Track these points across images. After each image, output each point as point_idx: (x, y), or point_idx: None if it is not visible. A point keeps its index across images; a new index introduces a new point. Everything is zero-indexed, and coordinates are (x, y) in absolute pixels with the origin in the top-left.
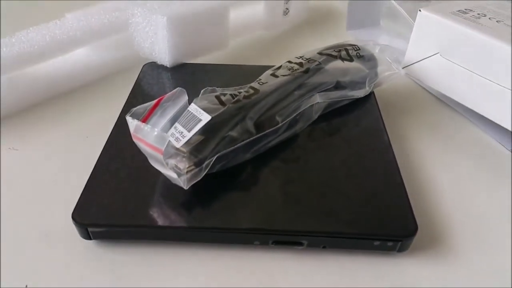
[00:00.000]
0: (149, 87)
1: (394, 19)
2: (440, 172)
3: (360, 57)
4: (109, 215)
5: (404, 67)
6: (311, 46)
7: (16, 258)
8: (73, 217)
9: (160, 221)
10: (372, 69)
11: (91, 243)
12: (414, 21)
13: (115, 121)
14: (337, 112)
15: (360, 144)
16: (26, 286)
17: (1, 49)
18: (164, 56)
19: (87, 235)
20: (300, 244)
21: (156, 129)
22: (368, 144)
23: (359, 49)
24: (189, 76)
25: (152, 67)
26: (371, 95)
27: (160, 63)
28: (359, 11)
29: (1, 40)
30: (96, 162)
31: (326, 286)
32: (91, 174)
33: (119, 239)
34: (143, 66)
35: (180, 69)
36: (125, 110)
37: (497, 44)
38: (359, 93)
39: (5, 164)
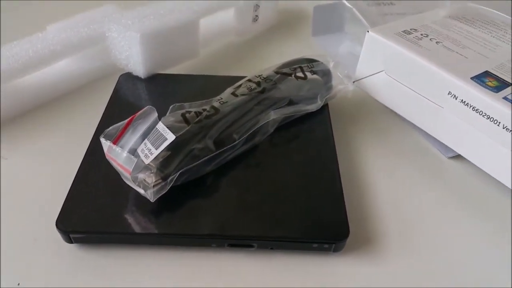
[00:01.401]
0: (125, 97)
1: (358, 24)
2: (380, 177)
3: (314, 73)
4: (88, 223)
5: (355, 81)
6: (279, 51)
7: (8, 260)
8: (56, 225)
9: (132, 228)
10: (327, 83)
11: (73, 246)
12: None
13: (95, 130)
14: (292, 124)
15: (309, 154)
16: (18, 284)
17: None
18: (139, 68)
19: (69, 240)
20: (251, 246)
21: (125, 152)
22: (316, 155)
23: (313, 66)
24: (162, 87)
25: (128, 78)
26: (324, 107)
27: (135, 74)
28: (324, 17)
29: None
30: (77, 172)
31: (273, 281)
32: (72, 184)
33: (97, 243)
34: (120, 76)
35: (153, 80)
36: (103, 120)
37: (430, 67)
38: (312, 107)
39: None
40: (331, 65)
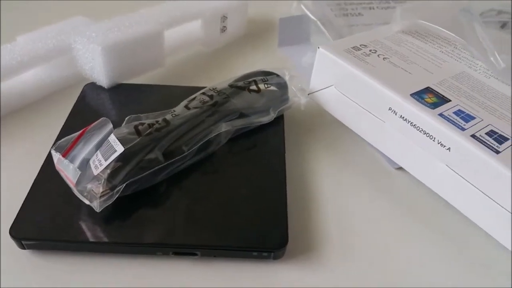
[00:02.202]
0: (87, 106)
1: (323, 36)
2: (327, 187)
3: (268, 87)
4: (40, 230)
5: (309, 94)
6: (246, 62)
7: None
8: (10, 232)
9: (81, 237)
10: (283, 95)
11: (26, 252)
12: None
13: (54, 140)
14: (247, 135)
15: (259, 165)
16: None
17: None
18: (102, 78)
19: (22, 246)
20: (195, 254)
21: (71, 164)
22: (266, 165)
23: (268, 80)
24: (124, 97)
25: (92, 87)
26: (280, 118)
27: (99, 84)
28: (290, 29)
29: None
30: (33, 182)
31: None
32: (27, 194)
33: (49, 250)
34: (84, 86)
35: (117, 90)
36: (63, 130)
37: (373, 83)
38: (264, 119)
39: None
40: (287, 78)
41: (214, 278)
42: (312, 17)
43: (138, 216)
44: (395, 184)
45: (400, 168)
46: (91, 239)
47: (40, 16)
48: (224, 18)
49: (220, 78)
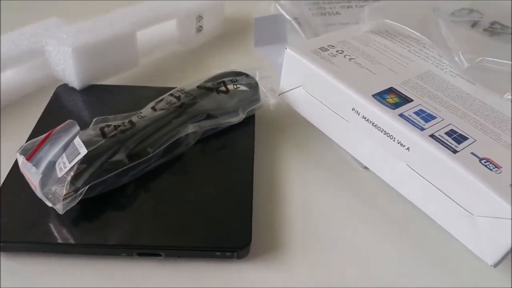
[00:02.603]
0: (58, 108)
1: (299, 35)
2: (295, 186)
3: (237, 87)
4: (6, 232)
5: (280, 94)
6: (222, 61)
7: None
8: None
9: (47, 238)
10: (254, 96)
11: None
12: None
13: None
14: (217, 136)
15: (227, 165)
16: None
17: None
18: (74, 80)
19: None
20: (159, 255)
21: (34, 167)
22: (234, 165)
23: (237, 80)
24: (96, 98)
25: (65, 89)
26: (250, 118)
27: (71, 86)
28: (266, 28)
29: None
30: (2, 185)
31: None
32: None
33: (18, 252)
34: (57, 87)
35: (89, 91)
36: (34, 132)
37: (337, 84)
38: (233, 120)
39: None
40: (257, 78)
41: (178, 278)
42: (287, 16)
43: (104, 218)
44: (361, 182)
45: (367, 167)
46: (57, 241)
47: (13, 17)
48: (199, 18)
49: (196, 78)
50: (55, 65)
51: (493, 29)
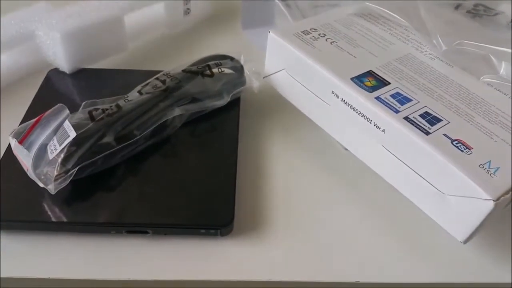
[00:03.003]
0: (50, 92)
1: (286, 18)
2: (278, 167)
3: (222, 71)
4: (3, 212)
5: (265, 77)
6: (210, 44)
7: None
8: None
9: (42, 217)
10: (239, 79)
11: None
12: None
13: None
14: (203, 118)
15: (212, 147)
16: None
17: None
18: (64, 64)
19: None
20: (147, 232)
21: (25, 150)
22: (219, 147)
23: (222, 64)
24: (86, 82)
25: (56, 73)
26: (236, 101)
27: (61, 70)
28: (253, 11)
29: None
30: None
31: (164, 264)
32: None
33: (11, 230)
34: (48, 71)
35: (79, 74)
36: (26, 115)
37: (317, 67)
38: (219, 103)
39: None
40: (242, 61)
41: (165, 254)
42: None
43: (94, 198)
44: (342, 164)
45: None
46: (50, 219)
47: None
48: (186, 1)
49: (183, 61)
50: (46, 50)
51: (476, 11)
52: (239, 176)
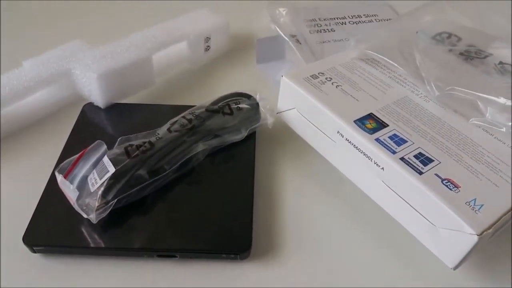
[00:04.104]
0: (86, 125)
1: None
2: (290, 195)
3: (240, 109)
4: (48, 238)
5: (278, 113)
6: (227, 78)
7: None
8: (23, 239)
9: (82, 243)
10: (255, 115)
11: (36, 255)
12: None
13: (59, 155)
14: (223, 151)
15: (231, 177)
16: None
17: None
18: (98, 100)
19: (33, 251)
20: (175, 256)
21: (71, 185)
22: (237, 178)
23: (240, 102)
24: (119, 116)
25: (91, 107)
26: (252, 135)
27: (96, 104)
28: (266, 48)
29: None
30: (41, 195)
31: (191, 285)
32: (36, 206)
33: (56, 254)
34: (84, 105)
35: (112, 109)
36: (66, 147)
37: (324, 110)
38: (237, 138)
39: None
40: (258, 98)
41: (191, 276)
42: (284, 35)
43: (128, 225)
44: (348, 192)
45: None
46: (90, 245)
47: (40, 37)
48: (207, 38)
49: (204, 94)
50: (81, 86)
51: (468, 54)
52: (255, 203)
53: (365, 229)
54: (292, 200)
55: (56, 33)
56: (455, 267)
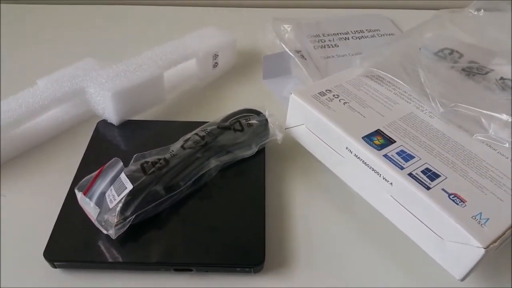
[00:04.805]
0: (101, 142)
1: (302, 69)
2: (301, 210)
3: (250, 125)
4: (68, 253)
5: (286, 129)
6: (235, 93)
7: (5, 278)
8: (44, 255)
9: (101, 257)
10: (264, 131)
11: (57, 270)
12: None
13: (76, 171)
14: (234, 166)
15: (243, 192)
16: None
17: None
18: (112, 117)
19: (53, 266)
20: (191, 270)
21: (92, 202)
22: (248, 193)
23: (250, 119)
24: (132, 132)
25: (104, 124)
26: (261, 151)
27: (109, 121)
28: (273, 64)
29: None
30: (60, 211)
31: None
32: (55, 222)
33: (75, 268)
34: (98, 123)
35: (125, 126)
36: (82, 162)
37: (333, 127)
38: (248, 153)
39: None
40: (267, 115)
41: None
42: (288, 51)
43: (144, 240)
44: (356, 206)
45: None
46: (108, 260)
47: (49, 55)
48: (215, 56)
49: (213, 110)
50: (95, 104)
51: (470, 69)
52: (266, 216)
53: (374, 243)
54: (302, 214)
55: (66, 52)
56: (463, 279)
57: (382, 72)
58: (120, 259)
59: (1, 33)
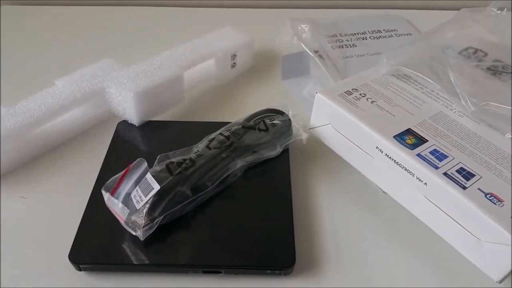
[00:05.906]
0: (122, 143)
1: (321, 68)
2: (327, 210)
3: (274, 125)
4: (93, 256)
5: (310, 129)
6: (253, 94)
7: (29, 284)
8: (69, 258)
9: (127, 260)
10: (288, 131)
11: (82, 273)
12: (338, 69)
13: (98, 171)
14: (258, 167)
15: (269, 193)
16: None
17: (8, 120)
18: (133, 118)
19: (78, 269)
20: (220, 272)
21: (120, 203)
22: (275, 193)
23: (274, 119)
24: (153, 133)
25: (124, 125)
26: (285, 151)
27: (130, 122)
28: (291, 64)
29: (6, 110)
30: (83, 213)
31: None
32: (79, 224)
33: (101, 271)
34: (118, 124)
35: (146, 126)
36: (104, 163)
37: (362, 126)
38: (272, 154)
39: (19, 210)
40: (290, 115)
41: None
42: (310, 53)
43: (172, 241)
44: (383, 206)
45: (387, 193)
46: (135, 262)
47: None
48: (234, 56)
49: (231, 110)
50: (116, 105)
51: (496, 68)
52: (294, 218)
53: (404, 243)
54: (329, 215)
55: (82, 52)
56: (501, 281)
57: (411, 71)
58: (147, 261)
59: (17, 34)
